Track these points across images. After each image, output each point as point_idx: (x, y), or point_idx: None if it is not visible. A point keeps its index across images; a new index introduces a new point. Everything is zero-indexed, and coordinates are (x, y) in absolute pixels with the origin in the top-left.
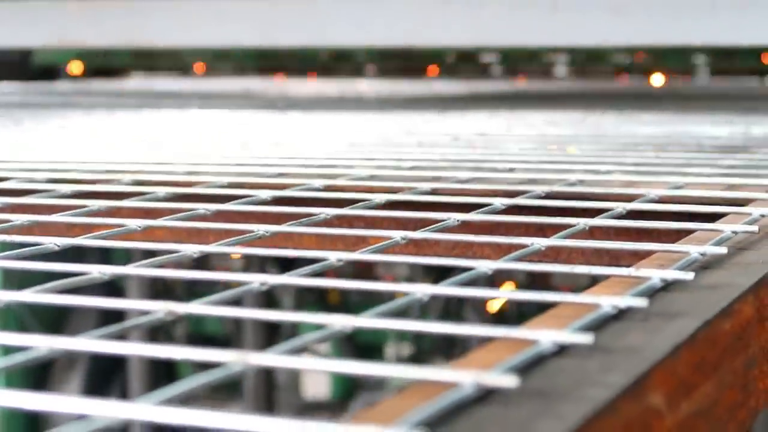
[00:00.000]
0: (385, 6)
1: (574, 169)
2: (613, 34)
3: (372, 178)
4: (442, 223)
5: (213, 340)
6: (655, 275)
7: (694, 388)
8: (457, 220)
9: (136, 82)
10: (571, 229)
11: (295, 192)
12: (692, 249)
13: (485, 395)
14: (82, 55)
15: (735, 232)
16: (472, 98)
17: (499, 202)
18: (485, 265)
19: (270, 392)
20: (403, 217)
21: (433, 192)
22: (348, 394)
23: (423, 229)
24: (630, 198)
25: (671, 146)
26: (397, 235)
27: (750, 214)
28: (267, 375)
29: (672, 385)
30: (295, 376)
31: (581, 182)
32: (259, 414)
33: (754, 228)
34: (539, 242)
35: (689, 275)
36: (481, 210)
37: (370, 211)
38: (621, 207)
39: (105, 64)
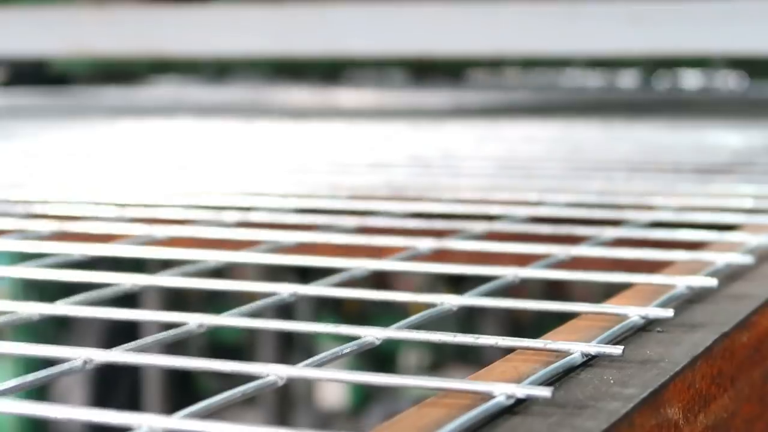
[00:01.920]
0: (399, 15)
1: (490, 213)
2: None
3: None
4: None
5: (228, 350)
6: (680, 283)
7: (711, 401)
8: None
9: (157, 89)
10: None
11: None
12: (719, 257)
13: (510, 406)
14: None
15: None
16: (457, 109)
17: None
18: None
19: (286, 402)
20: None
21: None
22: (364, 404)
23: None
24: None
25: (645, 169)
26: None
27: None
28: (282, 385)
29: (689, 397)
30: (310, 385)
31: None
32: (276, 425)
33: None
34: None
35: (713, 282)
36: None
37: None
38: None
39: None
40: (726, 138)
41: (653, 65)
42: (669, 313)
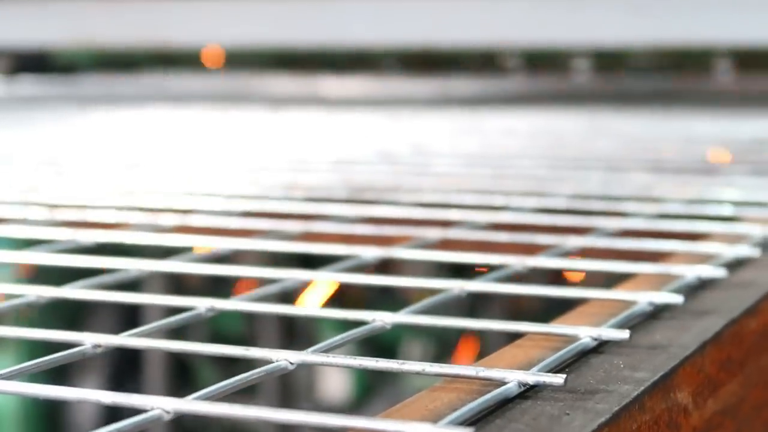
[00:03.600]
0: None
1: (449, 218)
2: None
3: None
4: None
5: (230, 342)
6: (689, 272)
7: (720, 386)
8: None
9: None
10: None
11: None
12: (725, 249)
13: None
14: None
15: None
16: (442, 98)
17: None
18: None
19: (287, 394)
20: None
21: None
22: (366, 397)
23: None
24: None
25: (625, 167)
26: None
27: None
28: (283, 376)
29: (699, 382)
30: (311, 377)
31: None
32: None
33: None
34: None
35: (722, 272)
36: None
37: None
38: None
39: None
40: (712, 130)
41: (652, 56)
42: (678, 299)
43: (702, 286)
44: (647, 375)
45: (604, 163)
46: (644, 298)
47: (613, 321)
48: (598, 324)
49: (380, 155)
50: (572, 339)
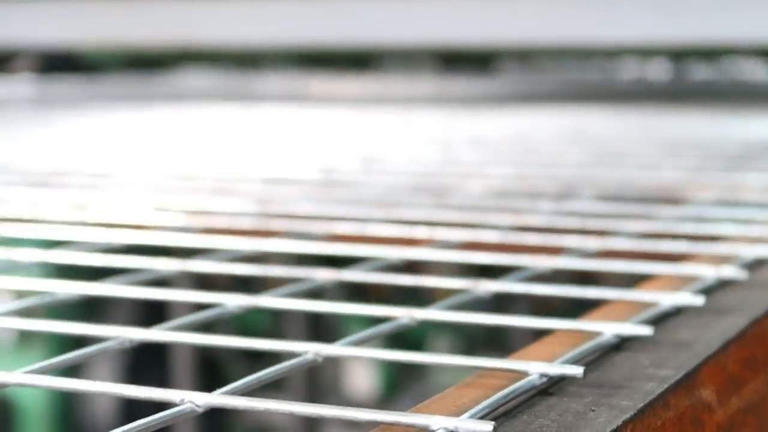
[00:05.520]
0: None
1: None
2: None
3: None
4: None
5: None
6: (710, 273)
7: (743, 384)
8: None
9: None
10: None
11: None
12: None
13: (546, 387)
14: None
15: None
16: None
17: None
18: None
19: (313, 390)
20: None
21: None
22: (392, 393)
23: None
24: None
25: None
26: None
27: None
28: (310, 372)
29: (722, 380)
30: (338, 373)
31: None
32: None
33: None
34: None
35: (742, 273)
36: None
37: None
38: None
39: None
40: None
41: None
42: (699, 300)
43: (723, 286)
44: (671, 372)
45: (634, 160)
46: (666, 299)
47: (636, 319)
48: (621, 322)
49: (322, 173)
50: (595, 336)
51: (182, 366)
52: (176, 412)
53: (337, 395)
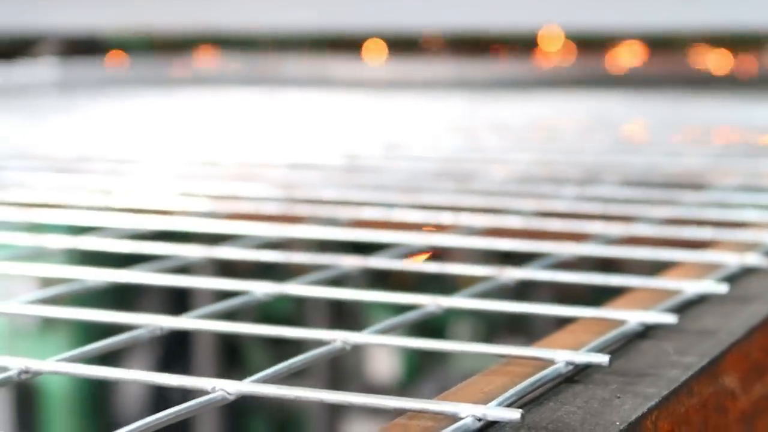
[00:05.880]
0: None
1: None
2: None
3: None
4: None
5: (276, 321)
6: (734, 260)
7: (767, 371)
8: None
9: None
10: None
11: None
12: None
13: (572, 375)
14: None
15: None
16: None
17: None
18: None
19: (335, 378)
20: None
21: None
22: (414, 381)
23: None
24: None
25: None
26: None
27: None
28: (332, 360)
29: (746, 367)
30: (360, 360)
31: None
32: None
33: None
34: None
35: (766, 261)
36: None
37: None
38: None
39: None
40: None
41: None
42: (723, 288)
43: (747, 273)
44: (695, 360)
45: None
46: (690, 287)
47: (660, 307)
48: (645, 310)
49: (289, 166)
50: (620, 324)
51: (204, 353)
52: (207, 400)
53: (359, 381)
